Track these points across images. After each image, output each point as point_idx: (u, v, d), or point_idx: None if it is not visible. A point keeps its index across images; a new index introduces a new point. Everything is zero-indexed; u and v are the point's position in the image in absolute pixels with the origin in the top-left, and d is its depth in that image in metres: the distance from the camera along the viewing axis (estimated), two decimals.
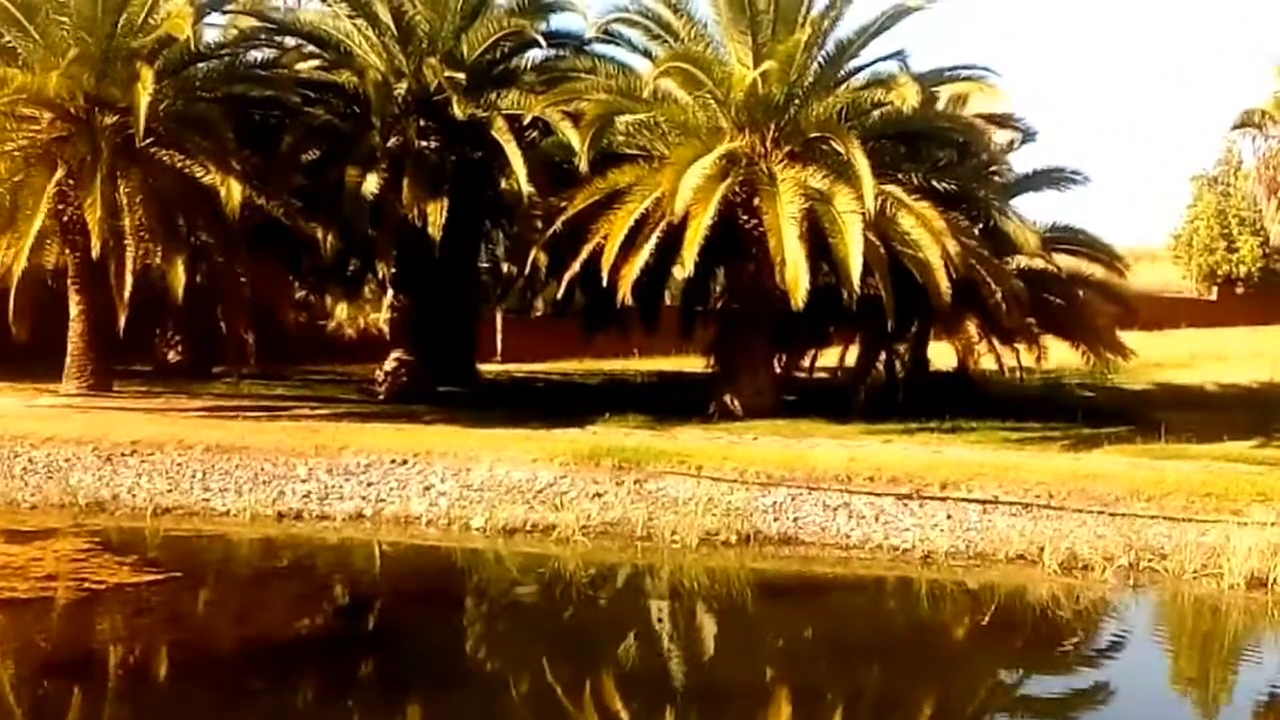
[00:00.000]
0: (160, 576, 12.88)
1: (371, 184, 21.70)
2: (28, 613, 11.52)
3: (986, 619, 13.40)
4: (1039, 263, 23.29)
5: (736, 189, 20.02)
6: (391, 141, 22.47)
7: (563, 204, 20.93)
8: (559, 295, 22.83)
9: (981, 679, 11.33)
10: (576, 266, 20.53)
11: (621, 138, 21.72)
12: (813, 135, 20.47)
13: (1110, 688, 10.75)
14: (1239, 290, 48.43)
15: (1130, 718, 9.90)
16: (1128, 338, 24.05)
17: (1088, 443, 19.21)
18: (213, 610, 12.46)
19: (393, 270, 24.40)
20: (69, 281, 22.21)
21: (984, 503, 15.38)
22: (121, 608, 12.03)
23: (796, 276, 18.63)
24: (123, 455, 17.18)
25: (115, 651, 10.83)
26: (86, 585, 12.37)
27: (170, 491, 16.48)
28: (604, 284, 19.67)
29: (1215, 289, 49.13)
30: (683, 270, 20.93)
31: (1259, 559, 13.46)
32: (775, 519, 15.35)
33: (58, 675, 9.95)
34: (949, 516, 15.21)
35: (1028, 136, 24.70)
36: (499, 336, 34.22)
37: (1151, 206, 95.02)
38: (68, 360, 22.20)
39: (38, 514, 15.82)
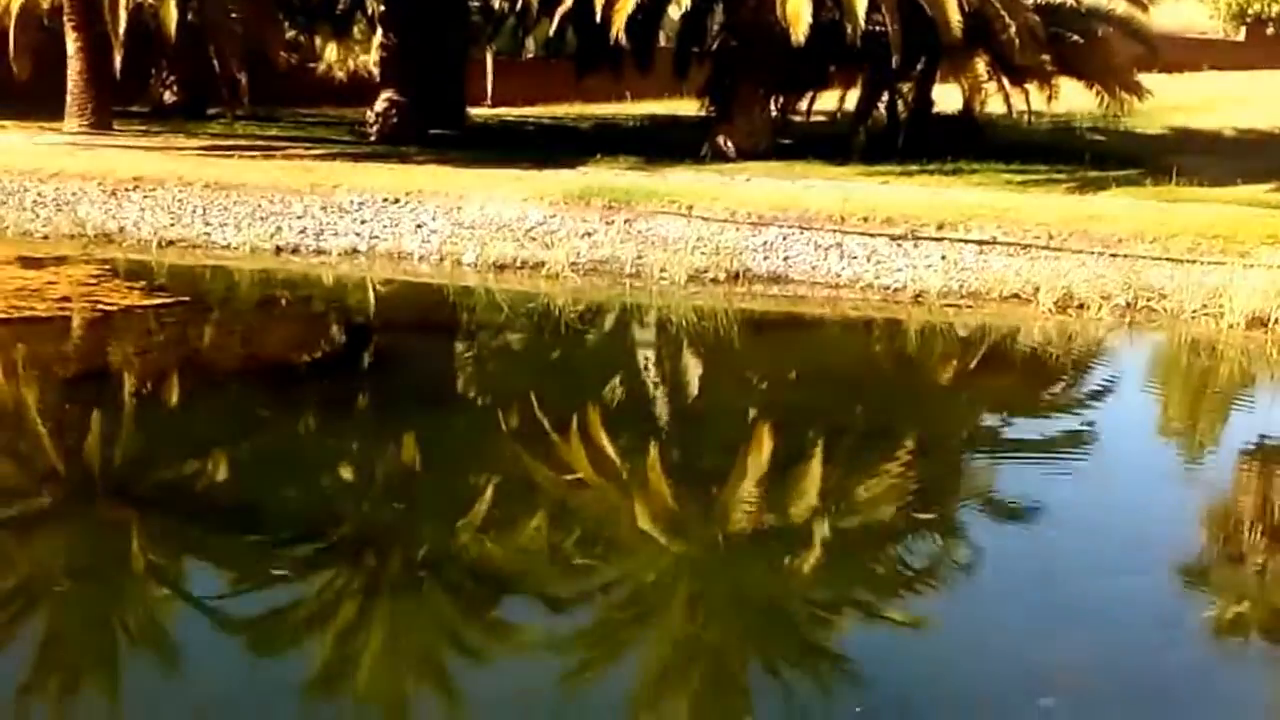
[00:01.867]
0: (168, 301, 13.30)
1: None
2: (48, 329, 12.08)
3: (976, 358, 13.46)
4: None
5: None
6: None
7: None
8: (551, 33, 22.39)
9: (965, 419, 11.38)
10: (569, 2, 20.06)
11: None
12: None
13: (1097, 432, 10.73)
14: (1269, 31, 46.56)
15: (1114, 464, 9.98)
16: (1146, 80, 23.32)
17: (1094, 185, 18.84)
18: (219, 333, 12.82)
19: (381, 8, 23.91)
20: (65, 19, 22.21)
21: (981, 243, 15.30)
22: (134, 327, 12.52)
23: (798, 11, 18.20)
24: (126, 190, 17.49)
25: (130, 365, 11.27)
26: (99, 307, 12.84)
27: (173, 225, 16.78)
28: (597, 20, 19.23)
29: (1244, 29, 47.28)
30: (679, 7, 20.46)
31: (1261, 299, 13.32)
32: (765, 258, 15.38)
33: (77, 388, 10.36)
34: (944, 257, 15.16)
35: None
36: (489, 79, 33.66)
37: None
38: (68, 99, 22.58)
39: (49, 244, 16.21)
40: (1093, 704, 5.80)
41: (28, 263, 14.81)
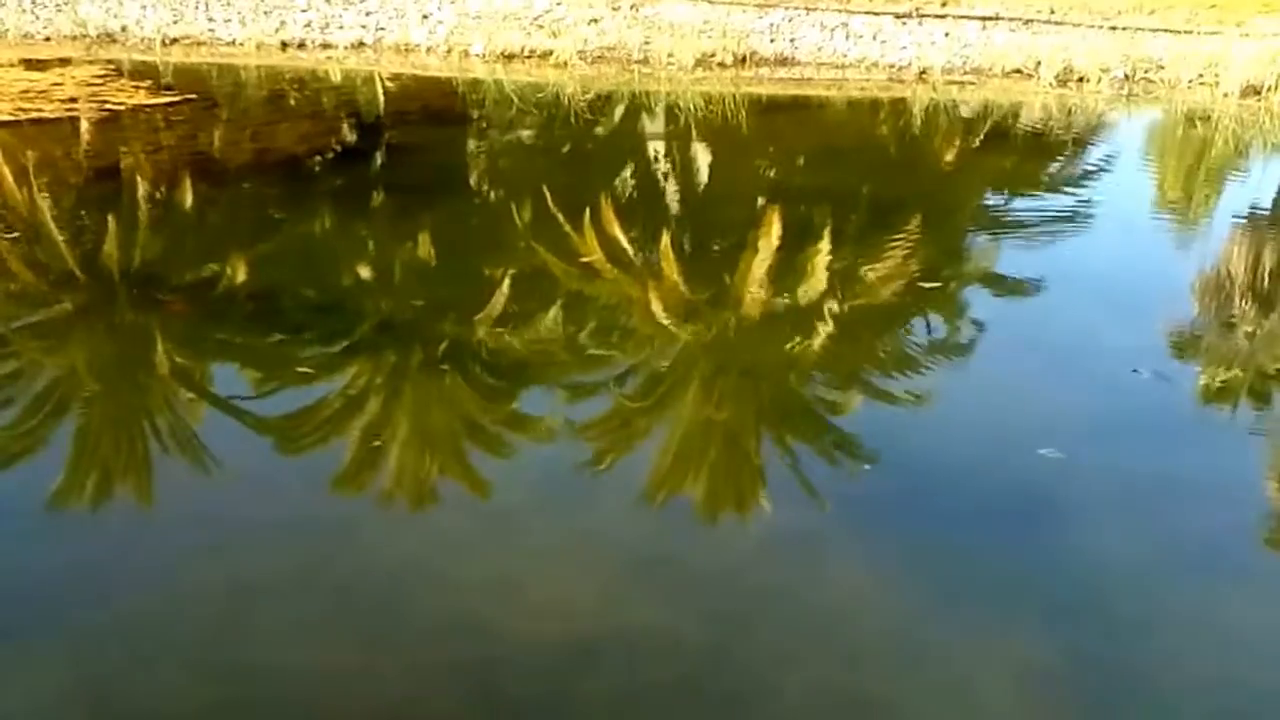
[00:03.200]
0: (176, 99, 13.31)
1: None
2: (57, 130, 12.03)
3: (980, 135, 13.60)
4: None
5: None
6: None
7: None
8: None
9: (970, 195, 11.61)
10: None
11: None
12: None
13: (1093, 205, 11.06)
14: None
15: (1115, 231, 10.25)
16: None
17: None
18: (228, 130, 12.73)
19: None
20: None
21: (984, 19, 15.38)
22: (143, 124, 12.45)
23: None
24: None
25: (142, 164, 11.15)
26: (107, 106, 12.84)
27: (176, 23, 16.72)
28: None
29: None
30: None
31: (1255, 68, 13.62)
32: (771, 40, 15.39)
33: (91, 185, 10.40)
34: (947, 34, 15.24)
35: None
36: None
37: None
38: None
39: (51, 45, 16.14)
40: (1088, 450, 6.19)
41: (31, 65, 14.76)
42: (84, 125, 12.41)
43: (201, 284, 8.35)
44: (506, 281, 8.41)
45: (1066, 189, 11.73)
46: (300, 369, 7.11)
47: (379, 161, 12.37)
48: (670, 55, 14.97)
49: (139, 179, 10.70)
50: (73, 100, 13.02)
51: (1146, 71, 14.23)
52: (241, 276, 8.54)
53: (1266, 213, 11.12)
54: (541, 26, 15.80)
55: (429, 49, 15.86)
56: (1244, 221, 10.79)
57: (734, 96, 14.65)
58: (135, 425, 6.41)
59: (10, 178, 10.57)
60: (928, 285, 8.73)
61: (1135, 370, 7.05)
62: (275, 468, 6.17)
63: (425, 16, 16.26)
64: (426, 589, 5.05)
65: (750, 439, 6.56)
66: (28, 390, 6.71)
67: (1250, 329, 8.30)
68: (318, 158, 12.04)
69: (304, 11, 16.61)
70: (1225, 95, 13.60)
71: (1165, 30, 14.85)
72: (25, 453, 6.17)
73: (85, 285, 8.24)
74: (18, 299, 8.02)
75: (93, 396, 6.71)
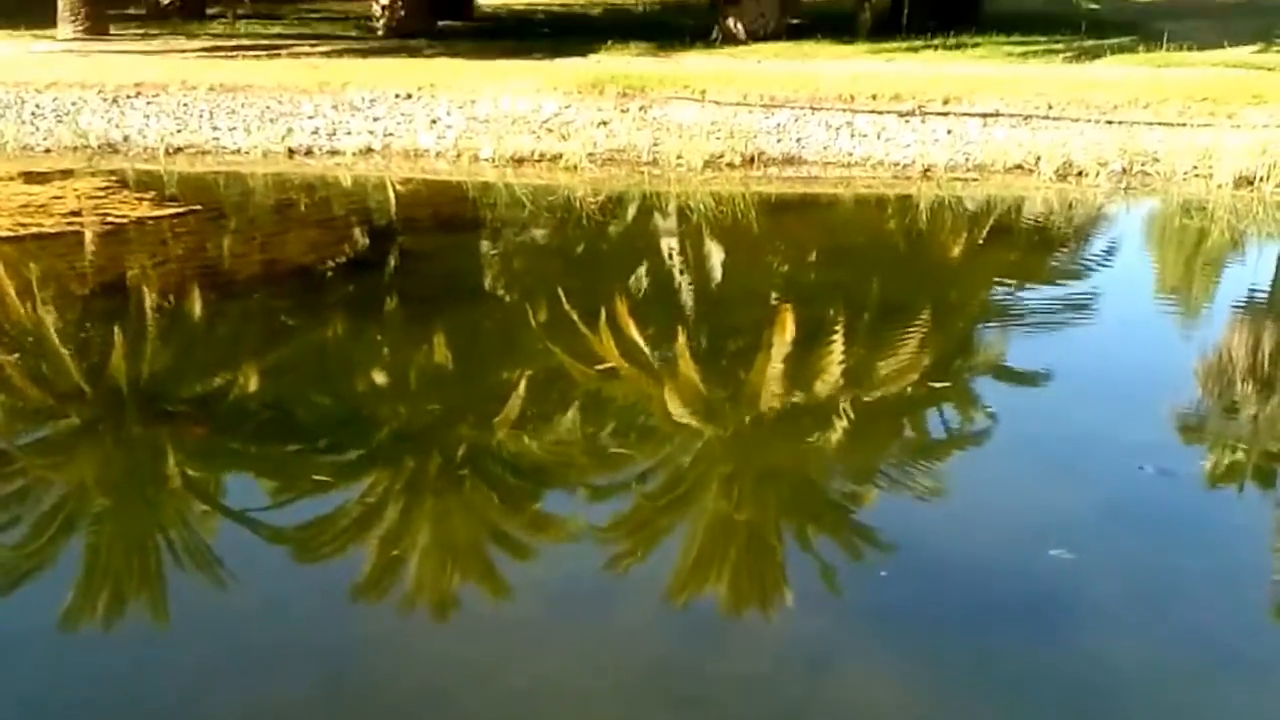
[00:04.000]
0: (180, 210, 13.17)
1: None
2: (58, 245, 11.88)
3: (984, 230, 13.68)
4: None
5: None
6: None
7: None
8: None
9: (977, 288, 11.68)
10: None
11: None
12: None
13: (1098, 293, 11.12)
14: None
15: (1119, 320, 10.31)
16: None
17: (1090, 54, 19.22)
18: (235, 241, 12.69)
19: None
20: None
21: (985, 116, 15.56)
22: (147, 238, 12.32)
23: None
24: (128, 97, 17.33)
25: (148, 277, 11.14)
26: (110, 219, 12.69)
27: (180, 131, 16.69)
28: None
29: None
30: None
31: (1248, 158, 13.84)
32: (779, 140, 15.55)
33: (93, 303, 10.29)
34: (949, 131, 15.41)
35: None
36: None
37: None
38: (60, 4, 22.30)
39: (53, 157, 16.09)
40: (1098, 547, 6.15)
41: (31, 178, 14.61)
42: (87, 239, 12.32)
43: (213, 396, 8.34)
44: (523, 384, 8.42)
45: (1070, 280, 11.81)
46: (317, 477, 7.06)
47: (391, 267, 12.40)
48: (679, 156, 15.10)
49: (145, 292, 10.68)
50: (75, 214, 12.90)
51: (1143, 164, 14.47)
52: (253, 386, 8.54)
53: (1265, 298, 11.18)
54: (550, 130, 15.97)
55: (438, 153, 15.98)
56: (1243, 307, 10.87)
57: (743, 196, 14.74)
58: (147, 540, 6.35)
59: (13, 293, 10.49)
60: (938, 379, 8.73)
61: (1140, 467, 7.00)
62: (293, 579, 6.12)
63: (434, 122, 16.42)
64: (447, 704, 4.96)
65: (771, 536, 6.53)
66: (35, 508, 6.65)
67: (1253, 412, 8.32)
68: (328, 266, 12.05)
69: (311, 118, 16.74)
70: (1219, 186, 13.81)
71: (1159, 123, 15.09)
72: (34, 572, 6.11)
73: (92, 399, 8.20)
74: (23, 415, 7.98)
75: (102, 512, 6.66)
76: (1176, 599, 5.81)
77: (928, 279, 11.71)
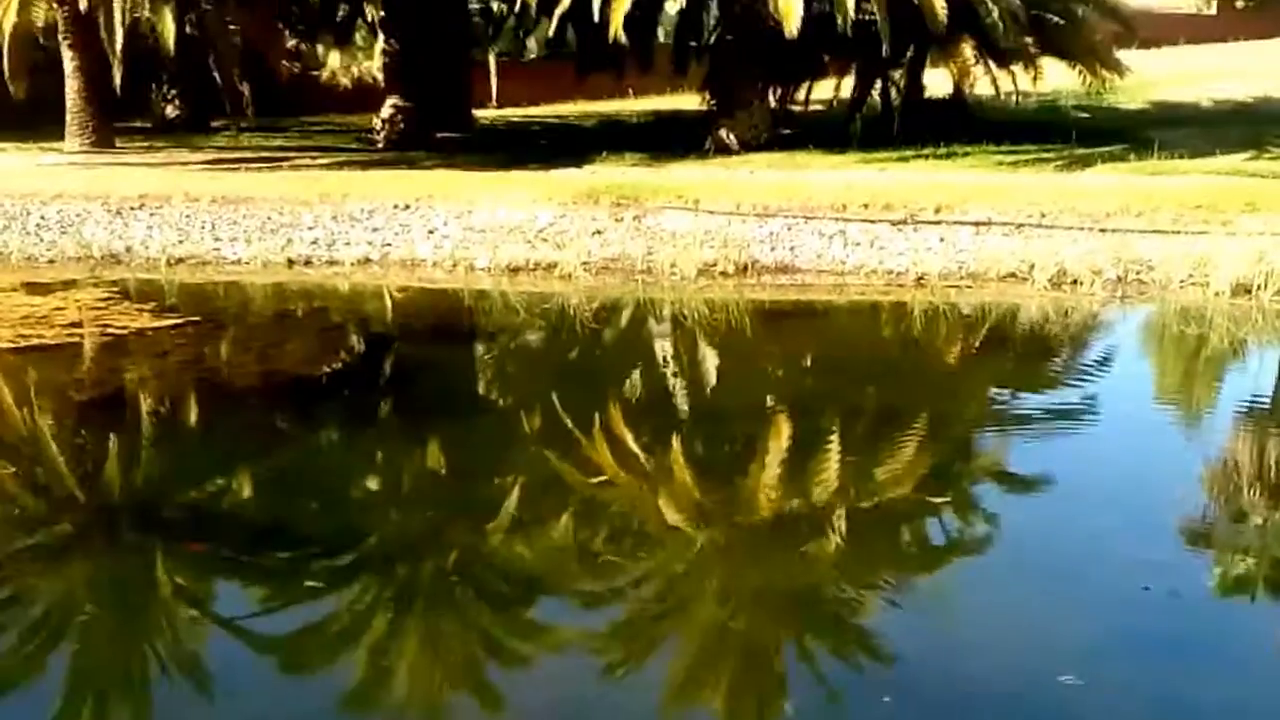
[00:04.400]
0: (180, 321, 13.21)
1: None
2: (58, 357, 11.88)
3: (978, 337, 13.77)
4: None
5: None
6: None
7: None
8: (551, 35, 22.60)
9: (972, 396, 11.69)
10: (567, 2, 20.30)
11: None
12: None
13: (1097, 401, 11.05)
14: (1239, 5, 47.47)
15: (1116, 430, 10.27)
16: (1126, 57, 23.84)
17: (1081, 162, 19.40)
18: (234, 351, 12.77)
19: (381, 14, 24.15)
20: (61, 38, 22.17)
21: (977, 224, 15.64)
22: (146, 351, 12.31)
23: (790, 4, 18.52)
24: (132, 209, 17.46)
25: (144, 392, 11.17)
26: (110, 331, 12.72)
27: (181, 242, 16.82)
28: (595, 19, 19.49)
29: (1214, 3, 48.17)
30: (675, 3, 20.74)
31: (1244, 266, 13.77)
32: (772, 248, 15.65)
33: (91, 416, 10.30)
34: (942, 239, 15.49)
35: None
36: (493, 81, 33.96)
37: None
38: (68, 118, 22.52)
39: (55, 268, 16.21)
40: (1106, 671, 5.99)
41: (34, 288, 14.70)
42: (87, 351, 12.35)
43: (204, 502, 8.32)
44: (517, 491, 8.40)
45: (1068, 387, 11.77)
46: (308, 584, 7.01)
47: (386, 376, 12.45)
48: (673, 265, 15.21)
49: (142, 403, 10.71)
50: (76, 325, 12.96)
51: (1138, 272, 14.49)
52: (245, 494, 8.54)
53: (1268, 405, 11.16)
54: (545, 239, 16.10)
55: (435, 263, 16.12)
56: (1247, 414, 10.82)
57: (737, 303, 14.83)
58: (135, 650, 6.29)
59: (12, 403, 10.52)
60: (936, 488, 8.69)
61: (1146, 588, 6.86)
62: (282, 688, 6.05)
63: (431, 232, 16.58)
64: None
65: (768, 646, 6.45)
66: (24, 616, 6.60)
67: (1261, 519, 8.24)
68: (325, 376, 12.10)
69: (310, 229, 16.90)
70: (1217, 294, 13.80)
71: (1154, 231, 15.10)
72: (22, 679, 6.05)
73: (85, 508, 8.18)
74: (16, 523, 7.91)
75: (91, 619, 6.60)
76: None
77: (924, 386, 11.70)
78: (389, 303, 15.51)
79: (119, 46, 20.54)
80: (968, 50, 21.89)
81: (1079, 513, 8.09)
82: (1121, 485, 8.73)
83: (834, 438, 9.71)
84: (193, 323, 13.27)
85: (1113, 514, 8.04)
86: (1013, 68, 22.82)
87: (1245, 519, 8.30)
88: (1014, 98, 23.43)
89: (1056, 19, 22.85)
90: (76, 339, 12.58)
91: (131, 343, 12.42)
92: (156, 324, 13.04)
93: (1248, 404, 11.22)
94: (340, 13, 26.16)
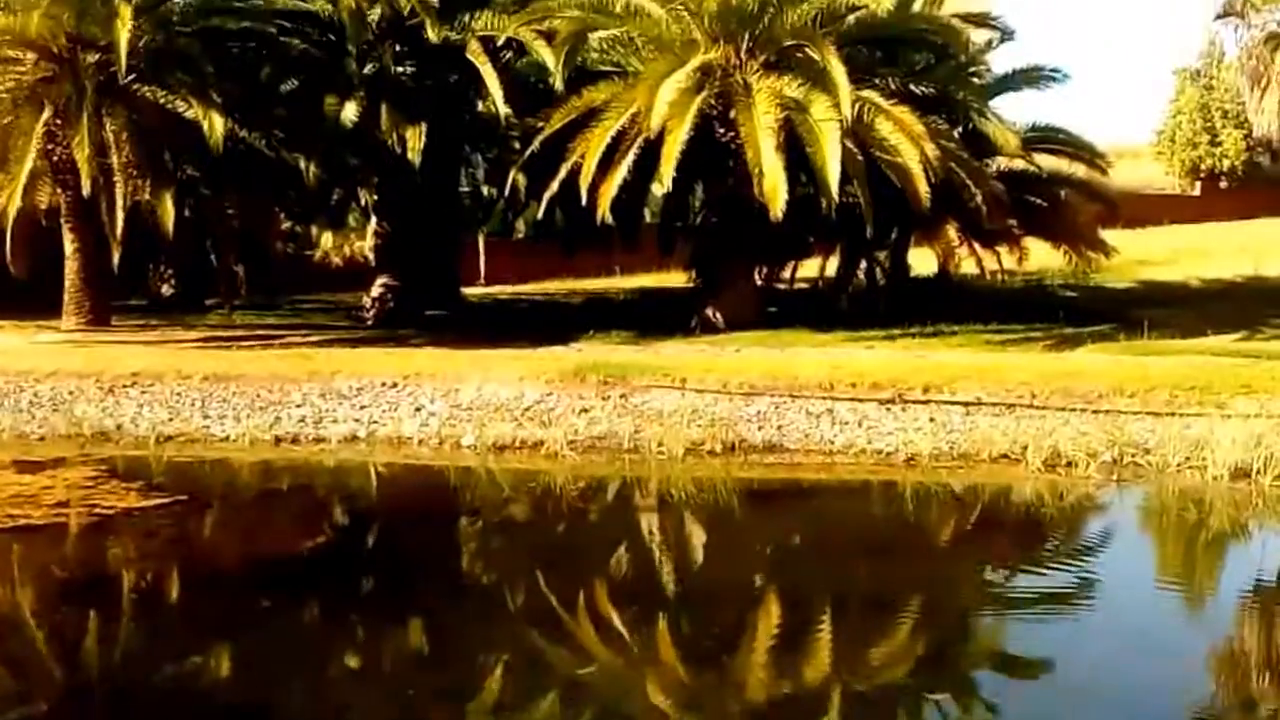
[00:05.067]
0: (166, 500, 13.16)
1: (350, 112, 21.87)
2: (43, 538, 11.83)
3: (971, 519, 13.67)
4: (1019, 164, 23.47)
5: (712, 102, 20.13)
6: (368, 68, 22.61)
7: (540, 124, 21.03)
8: (539, 216, 23.00)
9: (968, 579, 11.54)
10: (555, 186, 20.67)
11: (596, 54, 21.88)
12: (787, 43, 20.54)
13: (1097, 585, 10.94)
14: (1222, 184, 48.61)
15: (1117, 615, 10.10)
16: (1111, 236, 24.26)
17: (1070, 342, 19.49)
18: (219, 531, 12.76)
19: (375, 197, 24.68)
20: (62, 220, 22.60)
21: (967, 404, 15.60)
22: (131, 531, 12.27)
23: (775, 187, 18.78)
24: (124, 387, 17.49)
25: (128, 573, 11.14)
26: (96, 511, 12.64)
27: (171, 420, 16.76)
28: (583, 203, 19.82)
29: (1199, 184, 49.30)
30: (661, 186, 21.16)
31: (1242, 450, 13.55)
32: (759, 427, 15.61)
33: (74, 597, 10.25)
34: (932, 419, 15.43)
35: (1006, 35, 24.79)
36: (482, 260, 34.46)
37: (1134, 103, 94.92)
38: (65, 298, 22.76)
39: (46, 445, 16.12)
40: None
41: (23, 467, 14.64)
42: (73, 531, 12.26)
43: (185, 685, 8.20)
44: (499, 672, 8.24)
45: (1066, 570, 11.62)
46: None
47: (370, 555, 12.35)
48: (660, 444, 15.15)
49: (124, 585, 10.64)
50: (63, 504, 12.89)
51: (1134, 456, 14.31)
52: (225, 675, 8.43)
53: (1272, 589, 11.01)
54: (532, 417, 16.08)
55: (421, 440, 16.05)
56: (1251, 597, 10.68)
57: (725, 483, 14.73)
58: None
59: None
60: (930, 676, 8.51)
61: None
62: None
63: (418, 409, 16.57)
64: None
65: None
66: None
67: (1273, 707, 8.06)
68: (308, 553, 11.99)
69: (299, 407, 16.90)
70: (1215, 478, 13.60)
71: (1148, 413, 14.97)
72: None
73: (62, 688, 8.11)
74: None
75: None
76: None
77: (916, 566, 11.56)
78: (374, 481, 15.42)
79: (119, 230, 20.82)
80: (951, 231, 22.39)
81: (1082, 701, 7.90)
82: (1127, 667, 8.52)
83: (824, 622, 9.56)
84: (179, 501, 13.22)
85: (1116, 691, 7.93)
86: (997, 248, 23.27)
87: (1256, 703, 8.11)
88: (999, 276, 23.80)
89: (1040, 201, 23.33)
90: (63, 519, 12.50)
91: (118, 523, 12.36)
92: (143, 503, 12.98)
93: (1252, 588, 11.02)
94: (335, 196, 26.61)
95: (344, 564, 11.81)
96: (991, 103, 23.29)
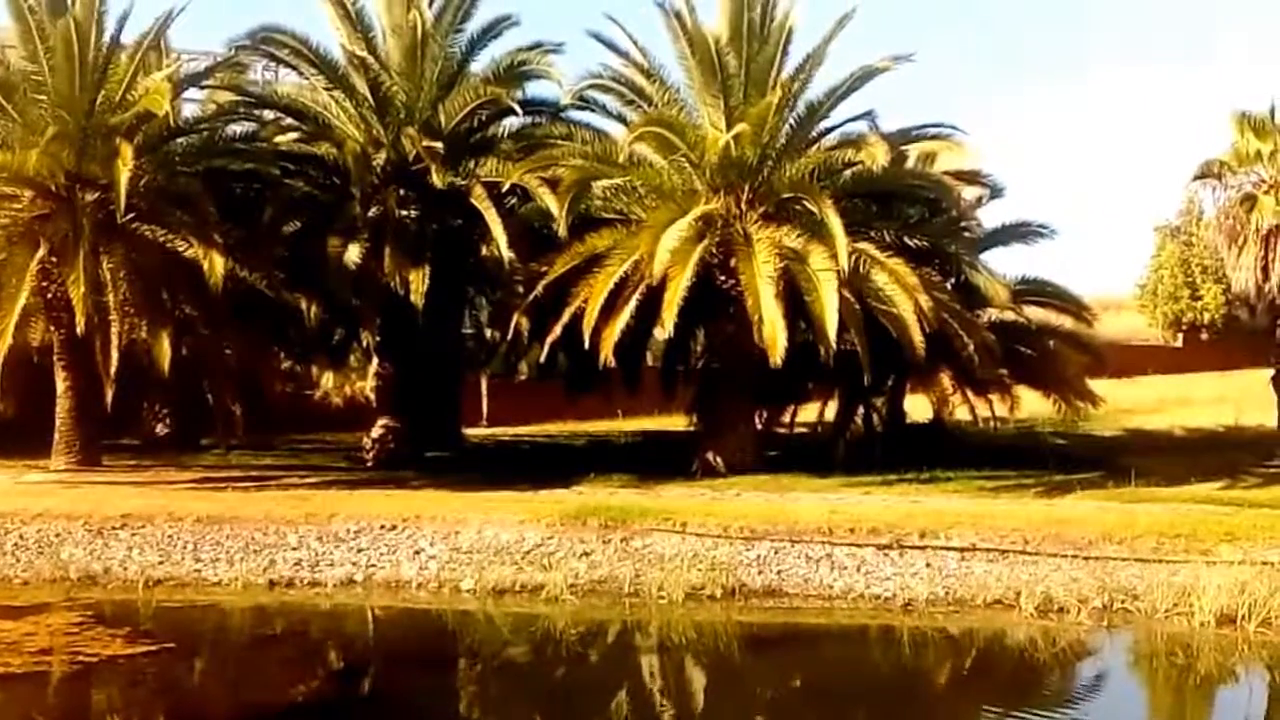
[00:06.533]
0: (153, 648, 12.96)
1: (353, 254, 22.07)
2: (23, 688, 11.59)
3: (967, 664, 13.75)
4: (1009, 315, 23.83)
5: (713, 250, 20.50)
6: (372, 211, 22.77)
7: (543, 269, 21.33)
8: (542, 359, 23.11)
9: (965, 715, 11.61)
10: (558, 330, 20.91)
11: (599, 202, 22.25)
12: (786, 195, 21.00)
13: None
14: (1204, 337, 49.52)
15: None
16: (1097, 386, 24.63)
17: (1060, 489, 19.65)
18: (207, 680, 12.57)
19: (377, 338, 24.73)
20: (55, 358, 22.33)
21: (962, 550, 15.72)
22: (115, 680, 12.07)
23: (774, 335, 19.05)
24: (113, 529, 17.23)
25: None
26: (80, 659, 12.42)
27: (162, 563, 16.53)
28: (586, 346, 20.05)
29: (1180, 336, 50.27)
30: (663, 331, 21.37)
31: (1228, 597, 13.78)
32: (759, 572, 15.63)
33: None
34: (928, 565, 15.53)
35: (996, 192, 25.46)
36: (484, 401, 34.53)
37: (1117, 257, 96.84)
38: (56, 436, 22.34)
39: (30, 589, 15.84)
40: None
41: (6, 612, 14.40)
42: (54, 681, 12.02)
43: None
44: None
45: (1059, 713, 11.73)
46: None
47: (364, 705, 12.18)
48: (661, 588, 15.13)
49: None
50: (45, 651, 12.66)
51: (1123, 602, 14.48)
52: None
53: None
54: (532, 561, 16.03)
55: (419, 584, 15.94)
56: None
57: (725, 627, 14.76)
58: None
59: None
60: None
61: None
62: None
63: (417, 552, 16.49)
64: None
65: None
66: None
67: None
68: (300, 703, 11.84)
69: (294, 550, 16.73)
70: (1202, 625, 13.74)
71: (1136, 559, 15.18)
72: None
73: None
74: None
75: None
76: None
77: (915, 709, 11.58)
78: (371, 627, 15.29)
79: (113, 369, 20.56)
80: (946, 380, 22.71)
81: None
82: None
83: None
84: (166, 648, 13.02)
85: None
86: (989, 395, 23.53)
87: None
88: (992, 423, 24.02)
89: (1029, 351, 23.71)
90: (45, 667, 12.28)
91: (101, 672, 12.14)
92: (129, 650, 12.76)
93: None
94: (336, 336, 26.70)
95: (336, 713, 11.67)
96: (982, 255, 23.80)
